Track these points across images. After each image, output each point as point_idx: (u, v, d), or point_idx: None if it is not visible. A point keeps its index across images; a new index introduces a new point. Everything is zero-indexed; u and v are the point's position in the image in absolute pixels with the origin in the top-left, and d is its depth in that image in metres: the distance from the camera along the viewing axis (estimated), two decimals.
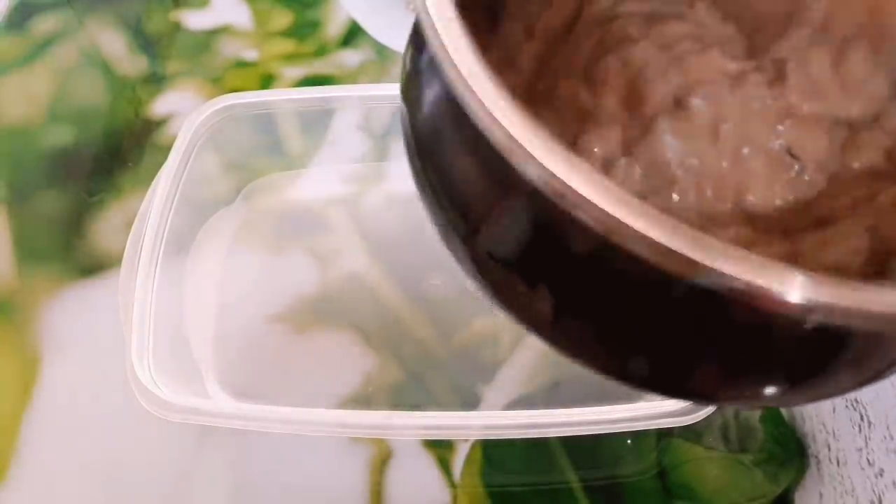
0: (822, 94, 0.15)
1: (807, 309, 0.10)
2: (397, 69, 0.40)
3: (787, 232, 0.14)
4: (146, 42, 0.42)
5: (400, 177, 0.35)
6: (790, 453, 0.28)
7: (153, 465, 0.29)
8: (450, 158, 0.14)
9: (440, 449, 0.29)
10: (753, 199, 0.15)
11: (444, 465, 0.29)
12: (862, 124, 0.15)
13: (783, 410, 0.29)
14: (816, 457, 0.28)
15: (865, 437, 0.26)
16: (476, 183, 0.13)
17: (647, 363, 0.13)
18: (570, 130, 0.15)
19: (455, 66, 0.11)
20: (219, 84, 0.40)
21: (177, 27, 0.42)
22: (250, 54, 0.41)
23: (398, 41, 0.40)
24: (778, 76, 0.16)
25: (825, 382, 0.13)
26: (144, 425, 0.28)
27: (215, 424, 0.27)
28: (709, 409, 0.25)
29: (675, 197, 0.14)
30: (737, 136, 0.15)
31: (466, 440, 0.29)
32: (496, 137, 0.11)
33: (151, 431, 0.29)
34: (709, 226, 0.14)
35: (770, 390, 0.13)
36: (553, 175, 0.10)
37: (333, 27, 0.42)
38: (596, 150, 0.15)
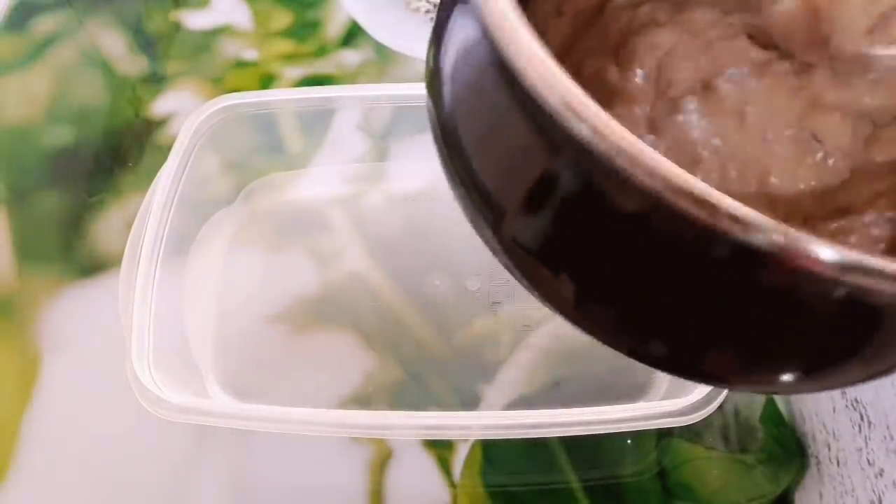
0: (847, 84, 0.15)
1: (839, 270, 0.10)
2: (397, 69, 0.40)
3: (807, 219, 0.14)
4: (146, 42, 0.42)
5: (400, 177, 0.35)
6: (790, 453, 0.28)
7: (153, 465, 0.29)
8: (486, 137, 0.14)
9: (440, 449, 0.29)
10: (777, 182, 0.15)
11: (444, 465, 0.29)
12: (885, 120, 0.15)
13: (783, 410, 0.29)
14: (816, 457, 0.28)
15: (865, 437, 0.26)
16: (514, 158, 0.13)
17: (672, 340, 0.13)
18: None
19: (508, 29, 0.12)
20: (219, 84, 0.40)
21: (177, 27, 0.42)
22: (250, 54, 0.41)
23: (398, 41, 0.40)
24: (804, 67, 0.16)
25: (847, 364, 0.13)
26: (144, 425, 0.28)
27: (215, 424, 0.27)
28: (709, 410, 0.25)
29: (700, 176, 0.15)
30: (762, 119, 0.15)
31: (466, 440, 0.29)
32: (552, 97, 0.11)
33: (151, 431, 0.29)
34: None
35: (794, 370, 0.13)
36: (608, 131, 0.11)
37: (333, 27, 0.42)
38: (623, 121, 0.15)
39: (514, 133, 0.13)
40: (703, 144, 0.15)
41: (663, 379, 0.29)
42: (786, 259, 0.10)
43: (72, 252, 0.34)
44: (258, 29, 0.42)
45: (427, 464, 0.29)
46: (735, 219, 0.10)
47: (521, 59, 0.11)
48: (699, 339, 0.13)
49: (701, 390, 0.25)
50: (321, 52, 0.41)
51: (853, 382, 0.14)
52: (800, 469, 0.28)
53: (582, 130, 0.11)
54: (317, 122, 0.34)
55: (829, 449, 0.27)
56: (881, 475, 0.25)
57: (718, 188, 0.14)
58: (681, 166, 0.14)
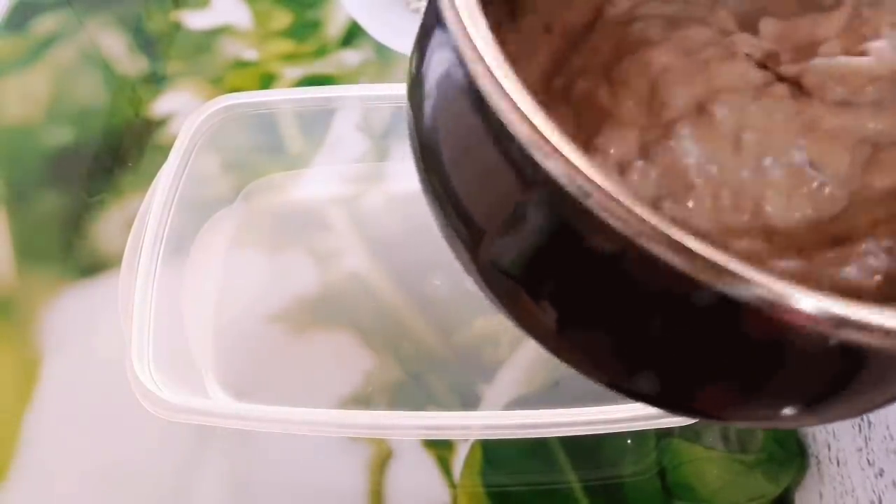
0: (848, 109, 0.15)
1: (827, 325, 0.10)
2: (397, 69, 0.40)
3: (802, 249, 0.14)
4: (146, 42, 0.42)
5: (400, 177, 0.35)
6: (790, 453, 0.28)
7: (153, 465, 0.29)
8: (461, 160, 0.14)
9: (440, 449, 0.29)
10: (771, 211, 0.14)
11: (444, 465, 0.29)
12: (886, 143, 0.15)
13: None
14: (816, 457, 0.28)
15: (865, 437, 0.26)
16: (488, 185, 0.13)
17: (655, 379, 0.13)
18: (586, 129, 0.15)
19: (480, 60, 0.11)
20: (219, 84, 0.40)
21: (177, 27, 0.42)
22: (250, 54, 0.41)
23: (398, 41, 0.40)
24: (802, 90, 0.15)
25: (839, 404, 0.13)
26: (144, 425, 0.28)
27: (215, 424, 0.27)
28: None
29: (691, 204, 0.14)
30: (759, 145, 0.15)
31: (466, 440, 0.29)
32: (522, 133, 0.11)
33: (151, 431, 0.29)
34: (723, 235, 0.14)
35: (782, 411, 0.13)
36: (578, 171, 0.10)
37: (333, 27, 0.42)
38: (612, 150, 0.15)
39: (487, 162, 0.13)
40: (697, 171, 0.15)
41: None
42: (767, 312, 0.10)
43: (72, 252, 0.34)
44: (258, 29, 0.42)
45: (427, 464, 0.29)
46: (714, 267, 0.10)
47: (493, 91, 0.11)
48: (680, 378, 0.13)
49: None
50: (321, 52, 0.41)
51: (856, 414, 0.13)
52: (800, 469, 0.28)
53: (552, 168, 0.11)
54: (317, 122, 0.34)
55: (829, 449, 0.27)
56: (881, 475, 0.25)
57: (711, 217, 0.14)
58: (672, 192, 0.14)
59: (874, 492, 0.25)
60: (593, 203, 0.10)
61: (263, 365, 0.31)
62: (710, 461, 0.28)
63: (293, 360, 0.31)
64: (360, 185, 0.35)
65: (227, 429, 0.28)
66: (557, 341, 0.14)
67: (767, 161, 0.15)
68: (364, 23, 0.41)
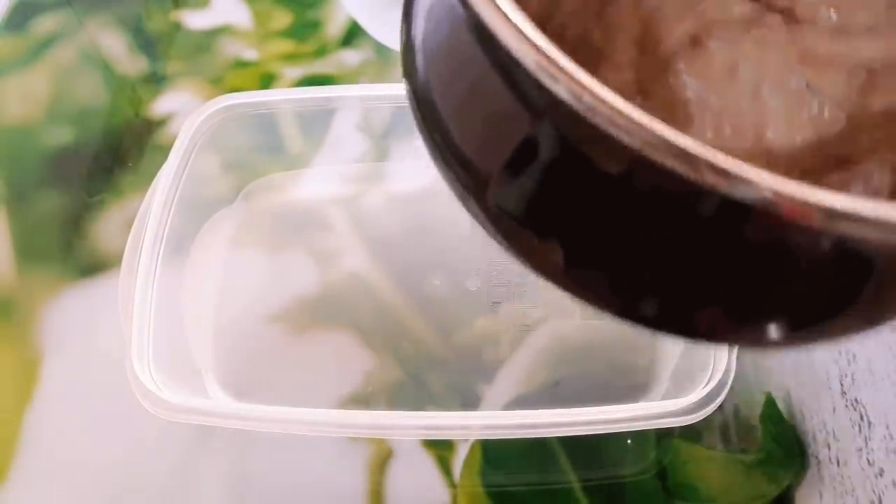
0: (839, 35, 0.15)
1: (830, 218, 0.10)
2: (397, 69, 0.40)
3: (806, 171, 0.14)
4: (146, 42, 0.42)
5: (400, 177, 0.35)
6: (790, 453, 0.28)
7: (153, 465, 0.29)
8: (463, 103, 0.14)
9: (440, 449, 0.29)
10: (773, 136, 0.15)
11: (444, 465, 0.29)
12: (881, 67, 0.15)
13: (783, 410, 0.29)
14: (816, 457, 0.28)
15: (865, 437, 0.26)
16: (493, 122, 0.13)
17: (666, 300, 0.13)
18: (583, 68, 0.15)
19: None
20: (219, 84, 0.40)
21: (177, 27, 0.42)
22: (250, 54, 0.41)
23: (398, 41, 0.40)
24: (795, 19, 0.15)
25: (844, 315, 0.13)
26: (144, 425, 0.28)
27: (215, 424, 0.27)
28: (709, 410, 0.25)
29: (693, 136, 0.15)
30: (755, 74, 0.15)
31: (466, 440, 0.29)
32: (527, 57, 0.11)
33: (151, 431, 0.29)
34: None
35: (787, 323, 0.13)
36: (585, 88, 0.10)
37: (333, 27, 0.42)
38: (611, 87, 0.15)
39: (490, 97, 0.13)
40: (696, 103, 0.15)
41: (663, 379, 0.29)
42: (773, 209, 0.10)
43: (72, 252, 0.34)
44: (258, 29, 0.42)
45: (427, 464, 0.29)
46: (719, 170, 0.10)
47: (496, 19, 0.11)
48: (691, 297, 0.13)
49: (701, 390, 0.25)
50: (321, 52, 0.41)
51: (859, 330, 0.13)
52: (800, 469, 0.28)
53: (558, 90, 0.11)
54: (317, 122, 0.34)
55: (829, 449, 0.27)
56: (881, 475, 0.25)
57: (714, 147, 0.14)
58: (674, 127, 0.14)
59: (874, 492, 0.25)
60: (601, 119, 0.10)
61: (263, 365, 0.31)
62: (710, 461, 0.28)
63: (293, 360, 0.31)
64: (360, 185, 0.35)
65: (227, 429, 0.28)
66: (568, 277, 0.14)
67: (765, 89, 0.15)
68: (364, 23, 0.41)
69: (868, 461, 0.25)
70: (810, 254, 0.11)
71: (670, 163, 0.10)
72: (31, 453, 0.29)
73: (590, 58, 0.16)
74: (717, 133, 0.15)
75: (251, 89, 0.38)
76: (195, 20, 0.42)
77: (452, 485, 0.28)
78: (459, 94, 0.14)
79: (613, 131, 0.10)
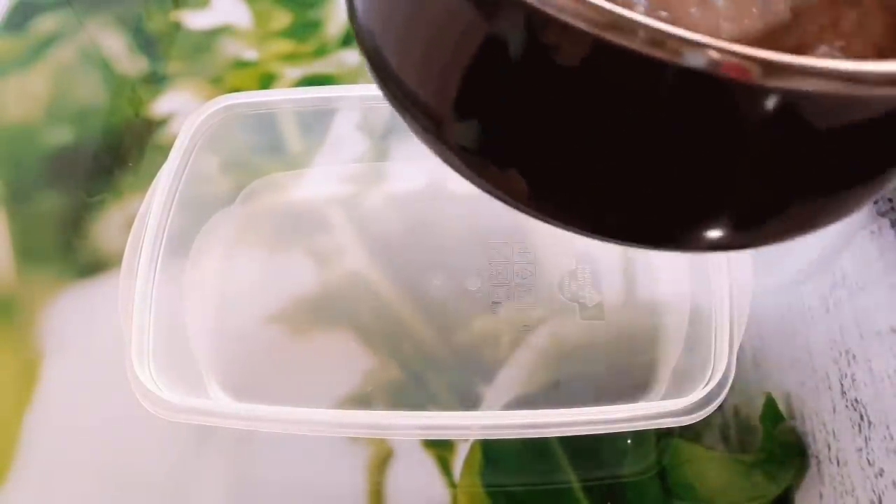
0: None
1: (772, 72, 0.10)
2: None
3: None
4: (146, 42, 0.42)
5: (400, 177, 0.35)
6: (790, 453, 0.28)
7: (153, 465, 0.29)
8: (410, 32, 0.14)
9: (440, 449, 0.29)
10: (726, 36, 0.15)
11: (444, 465, 0.29)
12: None
13: (783, 410, 0.29)
14: (816, 457, 0.28)
15: (865, 437, 0.26)
16: (442, 48, 0.13)
17: (626, 203, 0.13)
18: None
19: None
20: (219, 84, 0.40)
21: (177, 27, 0.42)
22: (250, 54, 0.41)
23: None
24: None
25: (809, 191, 0.13)
26: (144, 425, 0.28)
27: (215, 424, 0.27)
28: (709, 410, 0.25)
29: None
30: None
31: (466, 440, 0.29)
32: None
33: (151, 431, 0.29)
34: None
35: (762, 214, 0.13)
36: None
37: (333, 27, 0.42)
38: None
39: (435, 15, 0.13)
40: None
41: (663, 379, 0.29)
42: (725, 69, 0.10)
43: (72, 252, 0.34)
44: (258, 29, 0.42)
45: (427, 464, 0.29)
46: (668, 39, 0.10)
47: None
48: (659, 199, 0.13)
49: (701, 390, 0.25)
50: (321, 52, 0.41)
51: (823, 222, 0.14)
52: (800, 469, 0.28)
53: None
54: (317, 122, 0.34)
55: (829, 449, 0.27)
56: (881, 475, 0.25)
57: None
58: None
59: (874, 492, 0.25)
60: (553, 8, 0.10)
61: (263, 365, 0.31)
62: (710, 461, 0.28)
63: (293, 360, 0.31)
64: (360, 185, 0.35)
65: (227, 429, 0.28)
66: (535, 199, 0.14)
67: None
68: None
69: (868, 461, 0.25)
70: (760, 114, 0.11)
71: (628, 40, 0.10)
72: (31, 454, 0.29)
73: None
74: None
75: (251, 89, 0.38)
76: (195, 20, 0.42)
77: (452, 485, 0.28)
78: (401, 29, 0.14)
79: (568, 18, 0.10)
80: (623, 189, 0.13)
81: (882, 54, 0.14)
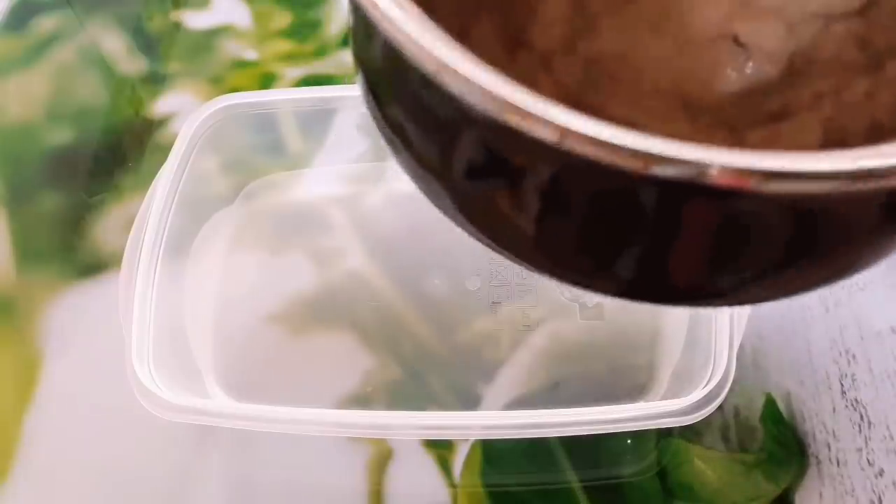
0: None
1: (762, 180, 0.10)
2: None
3: (734, 128, 0.14)
4: (146, 42, 0.42)
5: (400, 177, 0.35)
6: (790, 453, 0.28)
7: (153, 465, 0.29)
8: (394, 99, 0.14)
9: (440, 449, 0.29)
10: (698, 93, 0.14)
11: (444, 465, 0.29)
12: (838, 14, 0.14)
13: (783, 410, 0.29)
14: (816, 457, 0.28)
15: (865, 437, 0.26)
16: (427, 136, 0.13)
17: (616, 275, 0.13)
18: (514, 24, 0.15)
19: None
20: (219, 84, 0.40)
21: (177, 27, 0.42)
22: (250, 54, 0.41)
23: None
24: None
25: (805, 267, 0.12)
26: (144, 425, 0.28)
27: (215, 424, 0.27)
28: (709, 409, 0.25)
29: (613, 92, 0.14)
30: (682, 27, 0.14)
31: (466, 440, 0.29)
32: (428, 64, 0.10)
33: (151, 431, 0.29)
34: (650, 121, 0.14)
35: (750, 281, 0.13)
36: (483, 82, 0.10)
37: (333, 27, 0.42)
38: (538, 44, 0.15)
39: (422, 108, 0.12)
40: (619, 58, 0.14)
41: (663, 379, 0.29)
42: (707, 180, 0.10)
43: (72, 252, 0.34)
44: (258, 29, 0.42)
45: (427, 464, 0.29)
46: (642, 154, 0.09)
47: (394, 27, 0.11)
48: (647, 271, 0.13)
49: (701, 390, 0.25)
50: (321, 52, 0.41)
51: (814, 287, 0.13)
52: (800, 469, 0.28)
53: (457, 88, 0.10)
54: (317, 122, 0.34)
55: (829, 449, 0.27)
56: (881, 475, 0.25)
57: (634, 102, 0.14)
58: (594, 81, 0.14)
59: (874, 492, 0.25)
60: (513, 118, 0.10)
61: (263, 365, 0.31)
62: (710, 461, 0.28)
63: (293, 360, 0.31)
64: (360, 185, 0.35)
65: (227, 429, 0.28)
66: (530, 256, 0.14)
67: (692, 42, 0.14)
68: None
69: (868, 461, 0.25)
70: (754, 217, 0.11)
71: (590, 153, 0.10)
72: (31, 453, 0.29)
73: (522, 12, 0.15)
74: (637, 88, 0.14)
75: (251, 89, 0.38)
76: (195, 20, 0.42)
77: (452, 485, 0.28)
78: (392, 96, 0.14)
79: (528, 130, 0.10)
80: (610, 267, 0.13)
81: (875, 127, 0.13)
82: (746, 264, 0.12)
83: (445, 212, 0.14)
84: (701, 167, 0.09)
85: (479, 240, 0.14)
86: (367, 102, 0.15)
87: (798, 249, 0.12)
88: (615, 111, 0.14)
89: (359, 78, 0.15)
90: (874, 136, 0.13)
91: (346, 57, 0.41)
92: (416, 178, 0.14)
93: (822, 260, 0.12)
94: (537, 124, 0.10)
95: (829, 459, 0.27)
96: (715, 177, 0.09)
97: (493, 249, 0.14)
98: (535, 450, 0.29)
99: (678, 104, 0.14)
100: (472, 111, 0.10)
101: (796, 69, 0.14)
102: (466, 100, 0.10)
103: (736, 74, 0.14)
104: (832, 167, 0.09)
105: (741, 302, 0.14)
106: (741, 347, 0.26)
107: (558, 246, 0.13)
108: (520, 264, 0.14)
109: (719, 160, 0.09)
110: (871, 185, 0.10)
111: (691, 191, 0.10)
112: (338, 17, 0.42)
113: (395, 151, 0.14)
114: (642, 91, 0.14)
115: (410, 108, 0.13)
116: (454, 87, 0.10)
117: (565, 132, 0.10)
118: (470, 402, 0.29)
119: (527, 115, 0.10)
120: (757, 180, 0.09)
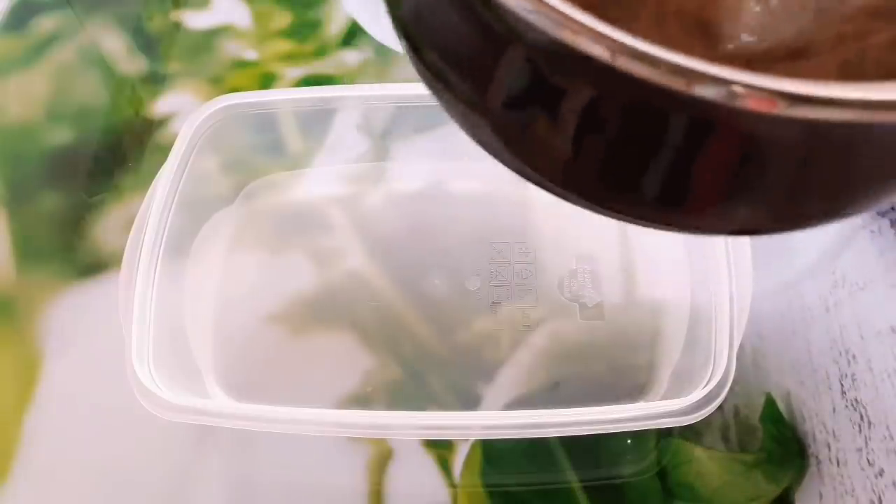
0: None
1: (784, 105, 0.10)
2: (397, 69, 0.40)
3: (750, 61, 0.14)
4: (146, 42, 0.42)
5: (400, 177, 0.35)
6: (790, 453, 0.28)
7: (153, 465, 0.29)
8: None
9: (440, 449, 0.29)
10: (719, 20, 0.14)
11: (444, 465, 0.29)
12: None
13: (783, 410, 0.29)
14: (816, 457, 0.28)
15: (865, 437, 0.26)
16: (468, 56, 0.13)
17: (635, 194, 0.13)
18: None
19: None
20: (219, 84, 0.40)
21: (177, 27, 0.42)
22: (250, 54, 0.41)
23: (398, 41, 0.40)
24: None
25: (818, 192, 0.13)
26: (144, 425, 0.28)
27: (215, 424, 0.27)
28: (709, 409, 0.25)
29: (635, 8, 0.14)
30: None
31: (466, 440, 0.29)
32: None
33: (151, 431, 0.29)
34: (668, 44, 0.14)
35: (767, 209, 0.13)
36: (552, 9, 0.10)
37: (333, 27, 0.42)
38: None
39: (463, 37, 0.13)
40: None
41: (663, 379, 0.29)
42: (736, 101, 0.10)
43: (72, 252, 0.34)
44: (258, 29, 0.42)
45: (427, 464, 0.29)
46: (635, 56, 0.10)
47: None
48: (671, 188, 0.13)
49: (701, 390, 0.25)
50: (321, 52, 0.41)
51: (830, 217, 0.13)
52: (800, 469, 0.28)
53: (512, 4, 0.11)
54: (317, 122, 0.34)
55: (829, 449, 0.27)
56: (881, 475, 0.25)
57: (654, 26, 0.14)
58: (616, 2, 0.14)
59: (874, 492, 0.25)
60: (563, 33, 0.10)
61: (263, 365, 0.31)
62: (710, 461, 0.28)
63: (293, 360, 0.31)
64: (360, 185, 0.35)
65: (227, 429, 0.28)
66: (560, 177, 0.14)
67: None
68: (364, 23, 0.41)
69: (868, 461, 0.25)
70: (773, 142, 0.11)
71: (636, 70, 0.10)
72: (31, 453, 0.29)
73: None
74: (660, 8, 0.14)
75: (251, 89, 0.38)
76: (195, 20, 0.42)
77: (452, 485, 0.28)
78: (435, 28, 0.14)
79: (573, 43, 0.10)
80: (637, 190, 0.13)
81: (891, 77, 0.13)
82: (769, 185, 0.12)
83: (483, 144, 0.15)
84: (745, 88, 0.10)
85: (514, 168, 0.14)
86: (410, 24, 0.15)
87: (817, 176, 0.12)
88: (636, 29, 0.14)
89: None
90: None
91: (347, 57, 0.41)
92: (454, 106, 0.14)
93: (844, 187, 0.13)
94: (590, 40, 0.10)
95: (829, 459, 0.27)
96: (762, 98, 0.10)
97: (526, 176, 0.14)
98: (535, 450, 0.29)
99: (699, 30, 0.14)
100: (524, 27, 0.11)
101: (823, 7, 0.14)
102: (522, 15, 0.11)
103: (761, 7, 0.14)
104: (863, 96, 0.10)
105: (754, 230, 0.14)
106: (741, 347, 0.26)
107: (591, 165, 0.13)
108: (552, 190, 0.14)
109: (763, 84, 0.10)
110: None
111: (730, 113, 0.10)
112: (338, 17, 0.42)
113: (437, 78, 0.15)
114: (666, 11, 0.14)
115: (458, 32, 0.13)
116: (510, 2, 0.11)
117: (618, 48, 0.10)
118: (470, 402, 0.29)
119: (581, 30, 0.10)
120: (784, 104, 0.10)
